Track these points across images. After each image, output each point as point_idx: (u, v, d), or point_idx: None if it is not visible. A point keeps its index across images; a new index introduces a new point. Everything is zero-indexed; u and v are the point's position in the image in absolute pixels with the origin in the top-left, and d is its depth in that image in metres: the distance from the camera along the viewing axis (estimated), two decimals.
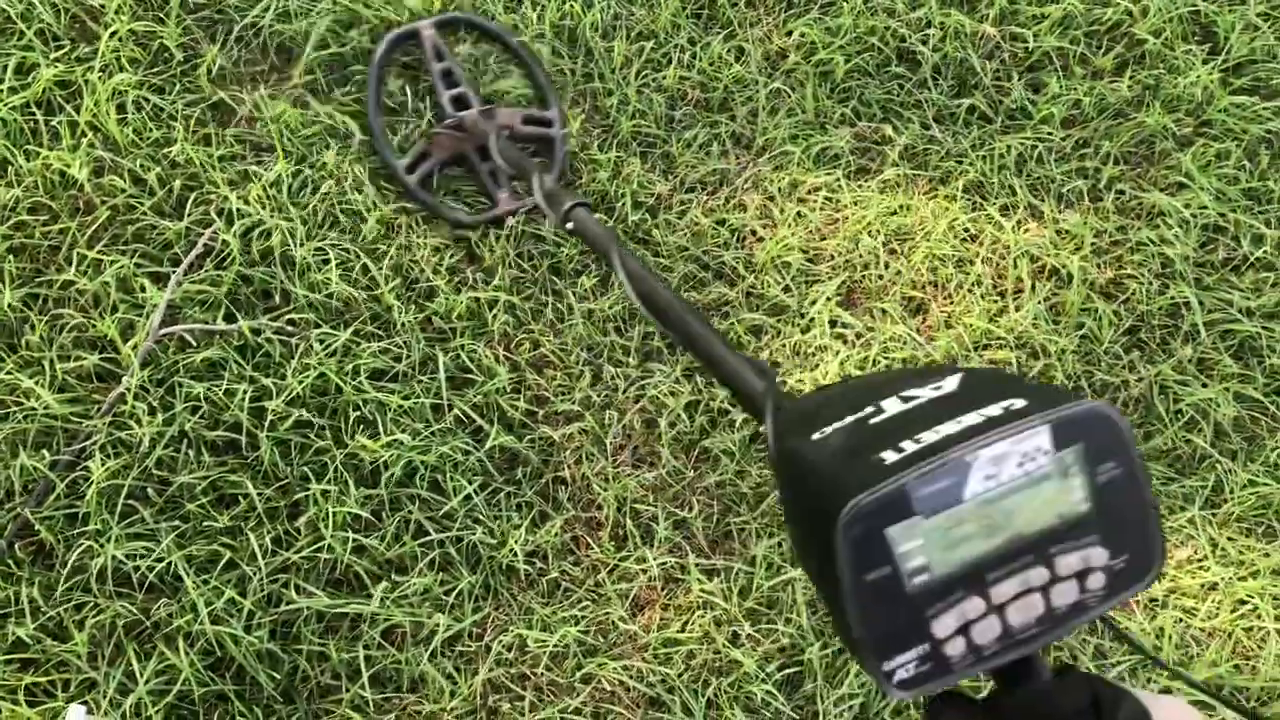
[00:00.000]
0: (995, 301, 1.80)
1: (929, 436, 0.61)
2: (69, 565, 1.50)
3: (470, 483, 1.60)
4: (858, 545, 0.59)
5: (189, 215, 1.68)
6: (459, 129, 1.77)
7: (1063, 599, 0.61)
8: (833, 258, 1.79)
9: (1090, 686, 0.61)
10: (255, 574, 1.52)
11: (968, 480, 0.59)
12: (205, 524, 1.55)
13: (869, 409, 0.65)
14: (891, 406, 0.65)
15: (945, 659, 0.61)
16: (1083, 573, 0.61)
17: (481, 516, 1.60)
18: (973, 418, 0.62)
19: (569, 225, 1.31)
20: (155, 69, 1.77)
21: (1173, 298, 1.82)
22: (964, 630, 0.60)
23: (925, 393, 0.65)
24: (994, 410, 0.62)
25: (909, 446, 0.61)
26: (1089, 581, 0.62)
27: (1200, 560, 1.69)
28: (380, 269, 1.68)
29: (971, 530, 0.60)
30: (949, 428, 0.61)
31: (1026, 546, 0.61)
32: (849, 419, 0.66)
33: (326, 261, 1.67)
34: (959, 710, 0.62)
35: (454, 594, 1.56)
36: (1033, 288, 1.81)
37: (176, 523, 1.54)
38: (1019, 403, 0.62)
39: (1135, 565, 0.63)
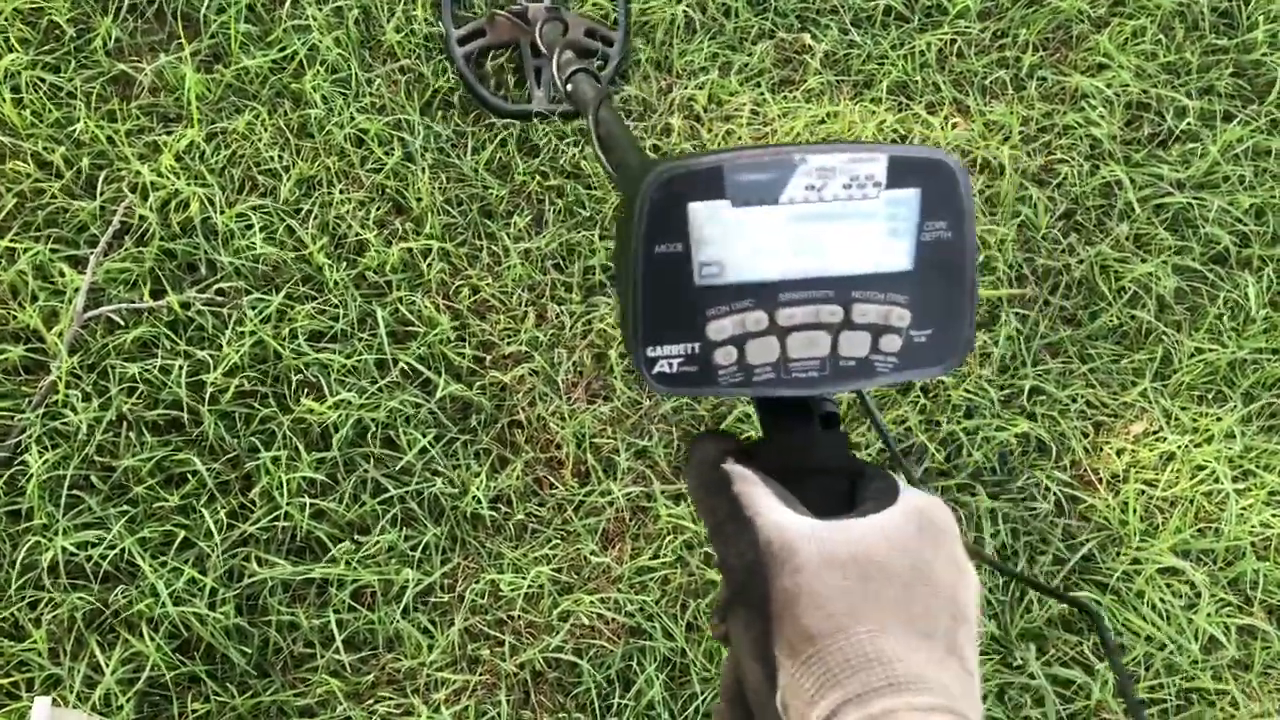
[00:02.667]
0: None
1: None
2: (18, 564, 1.45)
3: (424, 435, 1.57)
4: (656, 212, 0.56)
5: (101, 194, 1.62)
6: (521, 18, 1.77)
7: (850, 349, 0.59)
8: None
9: (850, 448, 0.60)
10: (213, 550, 1.48)
11: (789, 182, 0.57)
12: (155, 506, 1.50)
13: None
14: None
15: (712, 366, 0.59)
16: (879, 329, 0.59)
17: (440, 468, 1.57)
18: (819, 143, 0.60)
19: (568, 87, 1.38)
20: (47, 47, 1.69)
21: (1104, 178, 1.83)
22: (740, 342, 0.58)
23: None
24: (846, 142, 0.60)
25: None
26: (882, 342, 0.60)
27: (1156, 432, 1.71)
28: (306, 229, 1.64)
29: (778, 244, 0.58)
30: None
31: (830, 282, 0.59)
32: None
33: (250, 227, 1.62)
34: (720, 443, 0.60)
35: (420, 548, 1.53)
36: None
37: (125, 508, 1.50)
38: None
39: (936, 345, 0.61)
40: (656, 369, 0.58)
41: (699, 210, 0.56)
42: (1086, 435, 1.70)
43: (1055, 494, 1.65)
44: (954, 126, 1.84)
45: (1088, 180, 1.83)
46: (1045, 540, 1.64)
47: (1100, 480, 1.68)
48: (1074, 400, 1.71)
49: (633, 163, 1.07)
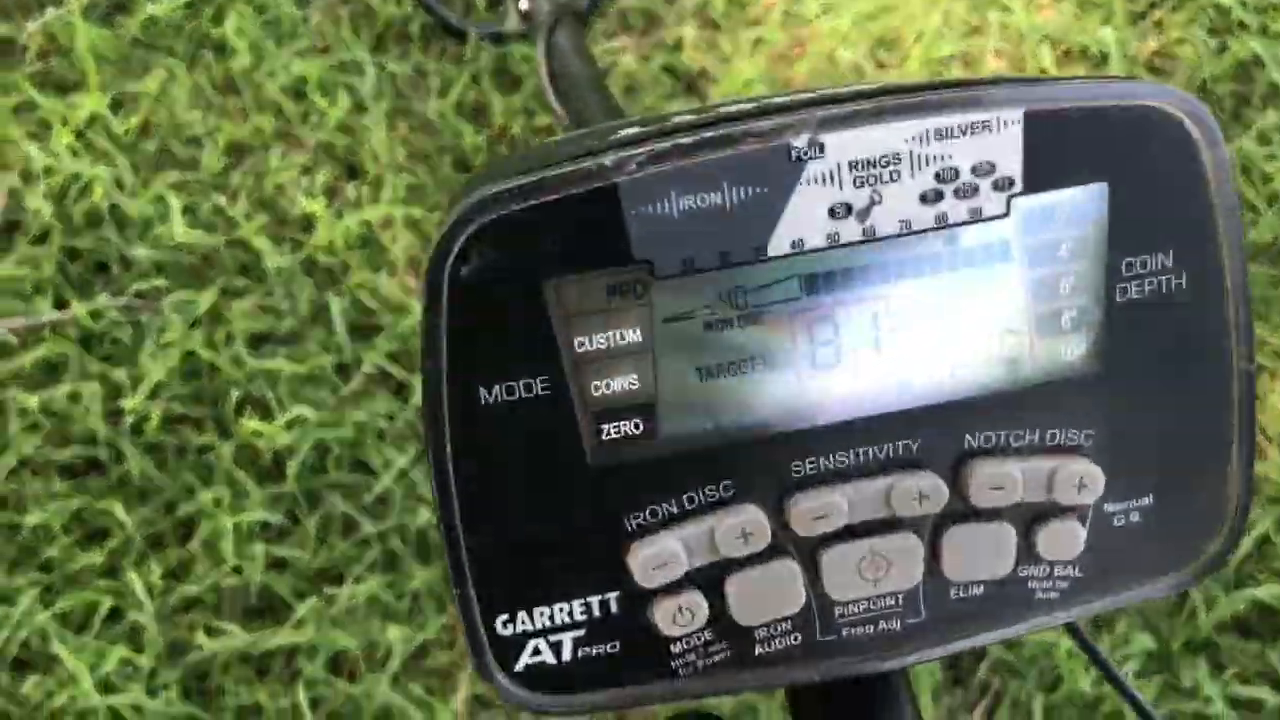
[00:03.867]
0: None
1: (731, 110, 0.28)
2: None
3: (402, 452, 1.25)
4: (469, 304, 0.27)
5: None
6: None
7: (969, 566, 0.29)
8: (807, 85, 1.41)
9: None
10: (148, 621, 1.18)
11: (786, 202, 0.26)
12: (73, 569, 1.20)
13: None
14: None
15: (650, 640, 0.30)
16: (1033, 512, 0.29)
17: (424, 493, 1.25)
18: (843, 93, 0.28)
19: (523, 3, 1.04)
20: None
21: (1237, 56, 1.45)
22: (709, 579, 0.29)
23: None
24: (907, 84, 0.28)
25: (680, 120, 0.29)
26: (1044, 540, 0.30)
27: None
28: (237, 206, 1.31)
29: (775, 350, 0.28)
30: (780, 101, 0.28)
31: (908, 424, 0.29)
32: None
33: (169, 210, 1.30)
34: None
35: (408, 597, 1.21)
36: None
37: (36, 575, 1.20)
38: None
39: (1163, 530, 0.31)
40: (523, 660, 0.29)
41: (574, 295, 0.28)
42: None
43: None
44: (1040, 9, 1.47)
45: (1216, 61, 1.45)
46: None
47: (1270, 439, 1.31)
48: None
49: (591, 116, 0.76)
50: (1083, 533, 0.30)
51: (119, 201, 1.30)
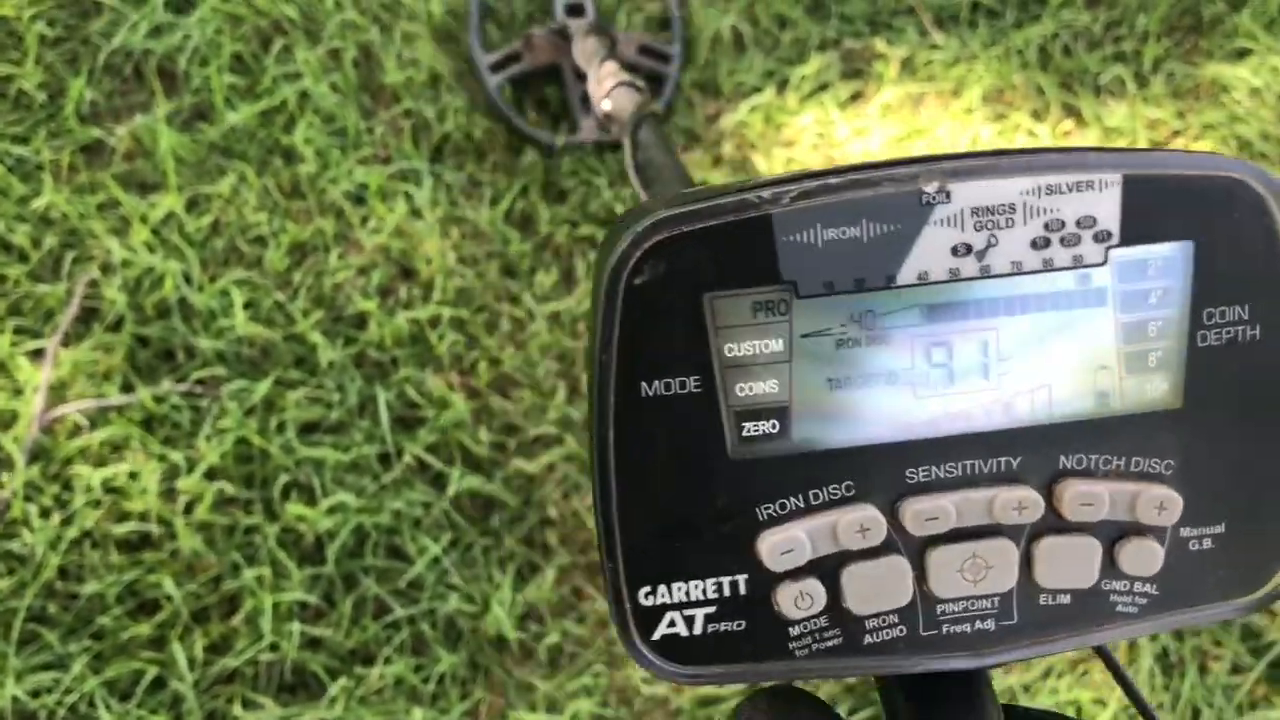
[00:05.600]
0: None
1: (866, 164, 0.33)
2: None
3: (436, 541, 1.31)
4: (635, 315, 0.30)
5: (69, 276, 1.41)
6: (562, 35, 1.49)
7: (1059, 573, 0.32)
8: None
9: None
10: (189, 691, 1.24)
11: (915, 239, 0.31)
12: (124, 638, 1.27)
13: None
14: None
15: (774, 620, 0.32)
16: (1117, 530, 0.32)
17: (455, 581, 1.30)
18: (966, 152, 0.33)
19: (605, 105, 1.16)
20: (15, 117, 1.51)
21: None
22: (829, 570, 0.32)
23: None
24: (1020, 149, 0.33)
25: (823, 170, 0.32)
26: (1125, 555, 0.33)
27: None
28: (297, 303, 1.40)
29: (897, 369, 0.32)
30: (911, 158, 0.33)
31: (1009, 443, 0.32)
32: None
33: (232, 304, 1.39)
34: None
35: (434, 681, 1.26)
36: None
37: (88, 643, 1.27)
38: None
39: (1233, 556, 0.33)
40: (660, 630, 0.33)
41: (727, 308, 0.32)
42: None
43: None
44: (1066, 135, 1.53)
45: None
46: (1219, 641, 1.29)
47: None
48: None
49: None
50: (1161, 552, 0.33)
51: (187, 294, 1.39)
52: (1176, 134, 1.53)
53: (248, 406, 1.34)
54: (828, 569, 0.33)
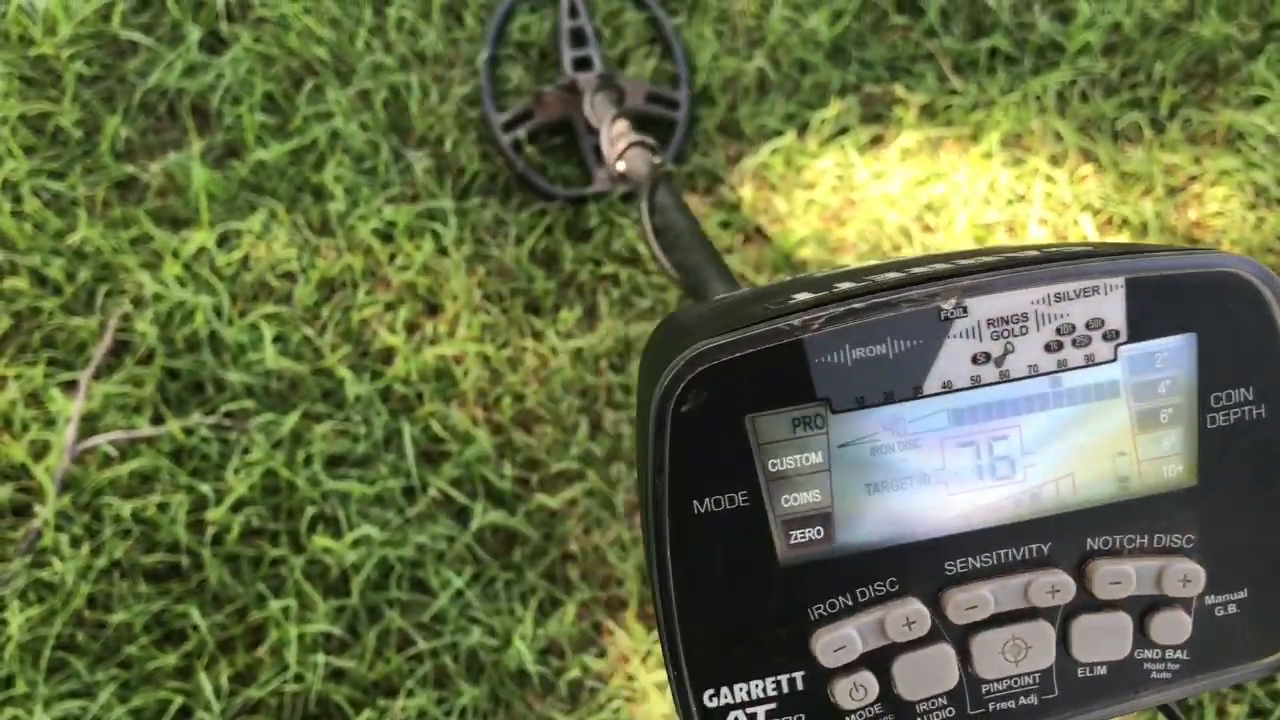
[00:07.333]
0: None
1: (884, 278, 0.35)
2: None
3: (459, 575, 1.32)
4: (684, 442, 0.32)
5: (101, 309, 1.44)
6: (571, 90, 1.53)
7: (1094, 648, 0.34)
8: (856, 244, 1.50)
9: None
10: None
11: (938, 353, 0.33)
12: (150, 668, 1.28)
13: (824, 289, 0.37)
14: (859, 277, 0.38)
15: (833, 712, 0.34)
16: (1146, 604, 0.34)
17: (477, 614, 1.31)
18: (976, 264, 0.35)
19: (619, 165, 1.20)
20: (52, 153, 1.54)
21: (1274, 230, 1.51)
22: (880, 661, 0.34)
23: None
24: (1025, 256, 0.35)
25: (843, 286, 0.35)
26: (1155, 626, 0.35)
27: None
28: (325, 337, 1.43)
29: (930, 471, 0.34)
30: (925, 270, 0.35)
31: (1040, 530, 0.34)
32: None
33: (261, 338, 1.41)
34: None
35: (455, 713, 1.27)
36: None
37: (116, 671, 1.28)
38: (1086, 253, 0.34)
39: (1257, 618, 0.35)
40: None
41: (768, 426, 0.34)
42: None
43: None
44: (1082, 180, 1.55)
45: (1251, 234, 1.51)
46: (1238, 685, 1.30)
47: None
48: None
49: (697, 264, 0.84)
50: (1189, 621, 0.35)
51: (217, 328, 1.42)
52: (1193, 179, 1.55)
53: (275, 439, 1.36)
54: (878, 660, 0.34)
